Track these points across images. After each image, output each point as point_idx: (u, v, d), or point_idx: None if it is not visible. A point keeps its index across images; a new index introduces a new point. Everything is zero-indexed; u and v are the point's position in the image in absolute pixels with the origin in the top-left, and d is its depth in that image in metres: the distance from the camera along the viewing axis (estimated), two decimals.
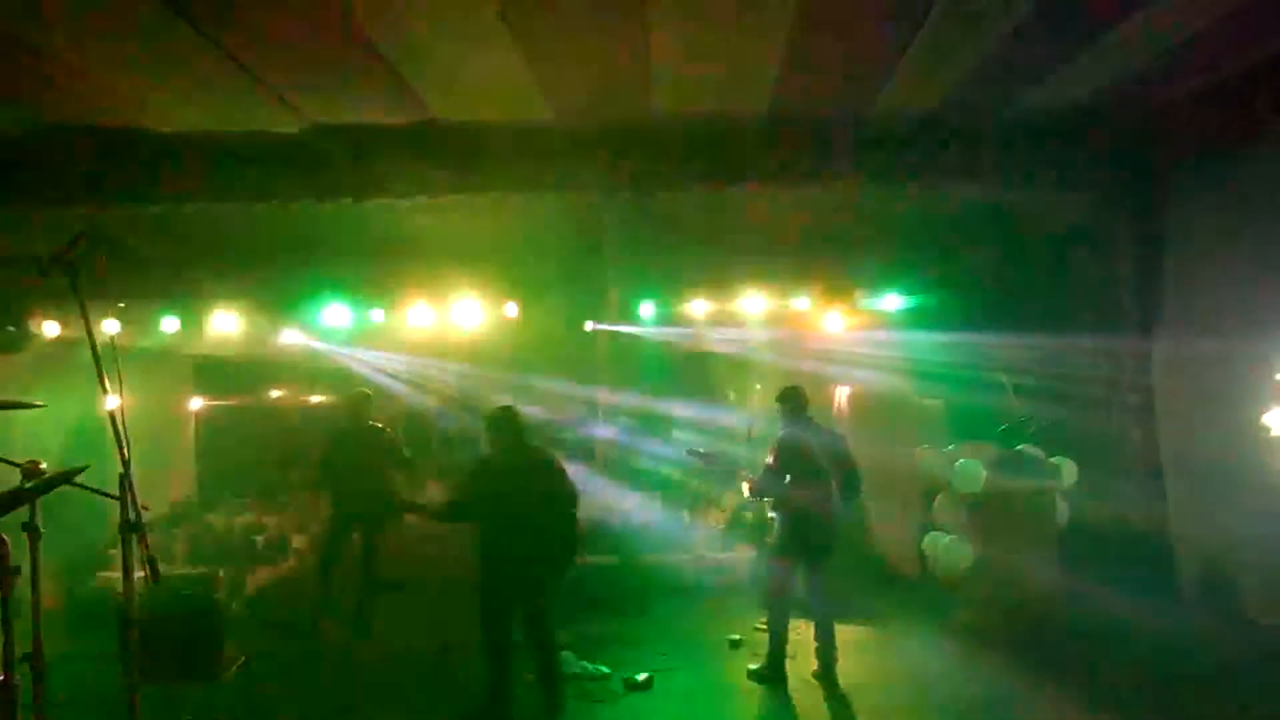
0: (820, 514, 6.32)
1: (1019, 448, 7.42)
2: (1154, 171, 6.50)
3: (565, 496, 5.80)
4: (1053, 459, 7.34)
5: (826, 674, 6.21)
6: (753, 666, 6.41)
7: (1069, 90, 5.39)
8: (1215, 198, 6.41)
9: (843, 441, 6.49)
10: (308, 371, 13.97)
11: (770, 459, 6.43)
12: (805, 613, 6.45)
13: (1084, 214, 7.83)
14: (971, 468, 7.11)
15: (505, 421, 5.81)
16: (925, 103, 5.45)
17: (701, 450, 6.65)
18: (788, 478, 6.33)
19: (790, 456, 6.37)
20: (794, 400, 6.57)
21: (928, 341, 8.48)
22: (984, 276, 8.44)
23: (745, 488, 7.02)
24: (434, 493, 11.26)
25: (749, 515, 9.50)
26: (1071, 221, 7.91)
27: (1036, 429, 7.59)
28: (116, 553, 3.70)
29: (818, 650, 6.25)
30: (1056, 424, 7.84)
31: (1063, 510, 7.27)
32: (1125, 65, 5.13)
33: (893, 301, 8.44)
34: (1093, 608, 6.98)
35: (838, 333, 9.77)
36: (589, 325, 9.14)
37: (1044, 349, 8.55)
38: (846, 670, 6.38)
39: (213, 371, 12.50)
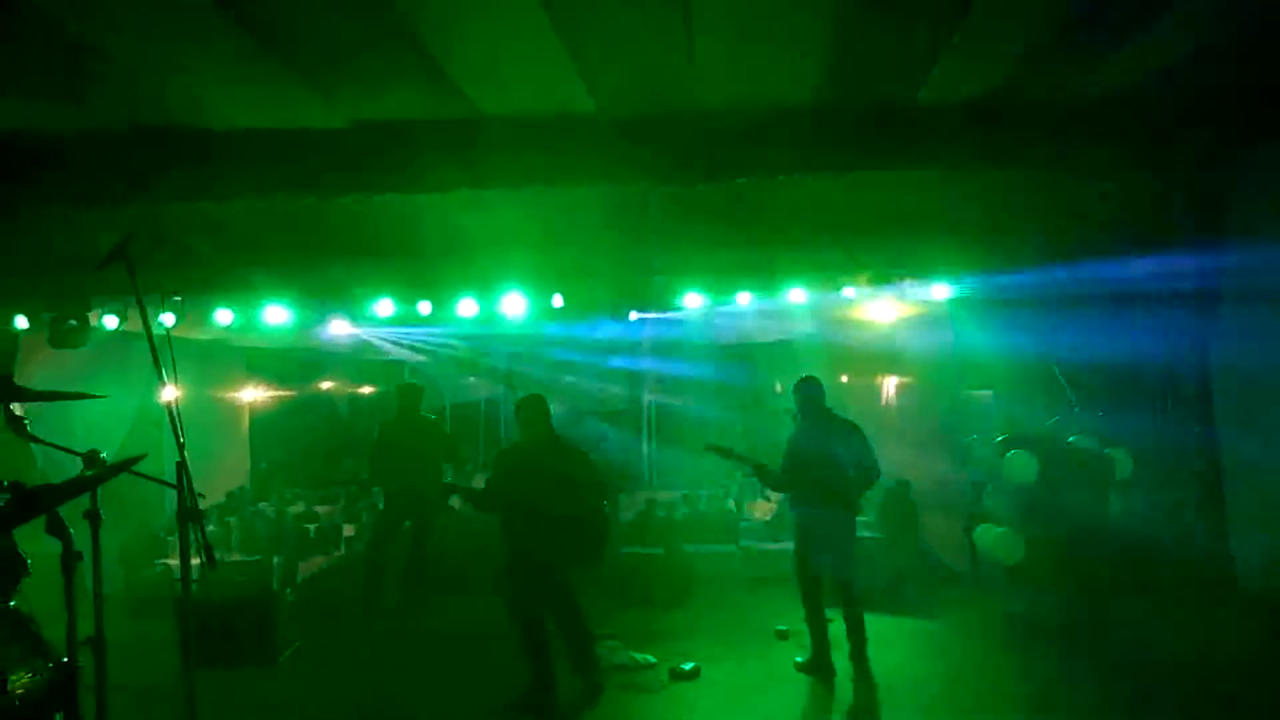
0: (834, 507, 6.26)
1: (1071, 439, 7.29)
2: (1215, 156, 6.31)
3: (594, 488, 5.82)
4: (1106, 451, 7.20)
5: (858, 663, 6.19)
6: (799, 659, 6.39)
7: (1125, 73, 5.25)
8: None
9: (859, 434, 6.38)
10: (358, 363, 14.21)
11: (786, 454, 6.40)
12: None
13: (1141, 200, 7.64)
14: (1022, 459, 7.00)
15: (535, 409, 5.85)
16: (975, 87, 5.34)
17: (721, 445, 6.62)
18: (798, 474, 6.30)
19: (803, 451, 6.33)
20: (809, 391, 6.48)
21: (978, 330, 8.35)
22: (1036, 264, 8.27)
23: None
24: (478, 484, 11.42)
25: None
26: (1127, 208, 7.72)
27: (1090, 420, 7.44)
28: (174, 540, 3.79)
29: (850, 640, 6.24)
30: (1111, 415, 7.68)
31: (1116, 504, 7.13)
32: (1183, 48, 4.99)
33: (942, 290, 8.30)
34: (1144, 604, 6.86)
35: (885, 321, 9.66)
36: (632, 315, 9.14)
37: (1099, 338, 8.38)
38: (893, 663, 6.36)
39: (265, 363, 12.74)
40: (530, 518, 5.60)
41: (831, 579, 6.32)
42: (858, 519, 6.45)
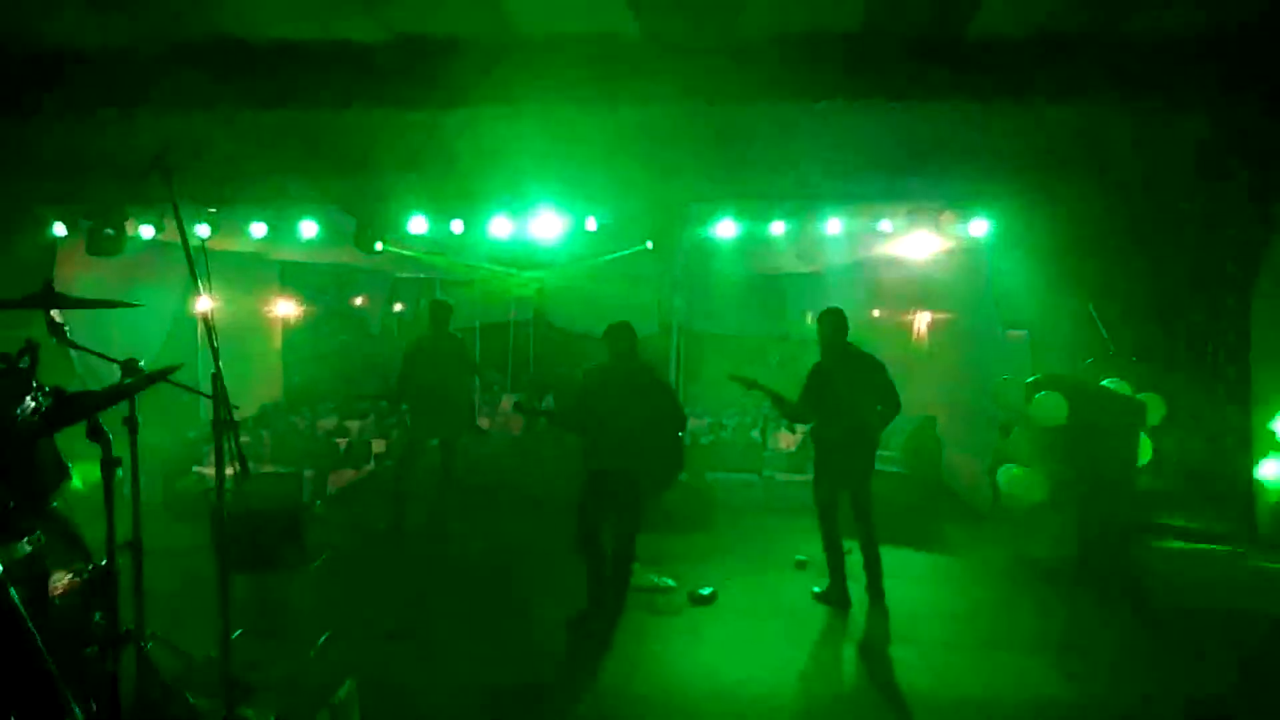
0: (853, 440, 6.27)
1: (1104, 382, 7.20)
2: (1274, 101, 6.07)
3: (672, 416, 6.01)
4: (1140, 395, 7.11)
5: (874, 595, 6.28)
6: (816, 589, 6.48)
7: (1179, 12, 5.04)
8: None
9: (881, 369, 6.34)
10: (390, 280, 14.27)
11: (806, 389, 6.36)
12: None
13: (1190, 143, 7.41)
14: (1052, 400, 6.93)
15: (622, 336, 6.01)
16: (1025, 20, 5.16)
17: (744, 376, 6.60)
18: (819, 403, 6.29)
19: (823, 383, 6.30)
20: (832, 323, 6.40)
21: (1015, 269, 8.21)
22: (1077, 204, 8.08)
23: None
24: (506, 405, 11.52)
25: None
26: (1180, 149, 7.49)
27: (1125, 363, 7.34)
28: (210, 449, 3.87)
29: (866, 573, 6.31)
30: (1146, 359, 7.58)
31: (1145, 447, 7.06)
32: None
33: (980, 226, 8.14)
34: (1167, 547, 6.85)
35: (921, 257, 9.51)
36: (647, 244, 9.05)
37: (1138, 282, 8.22)
38: (909, 596, 6.43)
39: (298, 277, 12.81)
40: (613, 437, 5.78)
41: (850, 510, 6.37)
42: (878, 453, 6.45)
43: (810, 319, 12.25)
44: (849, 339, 6.42)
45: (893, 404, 6.32)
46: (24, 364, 3.42)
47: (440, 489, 8.18)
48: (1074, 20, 5.09)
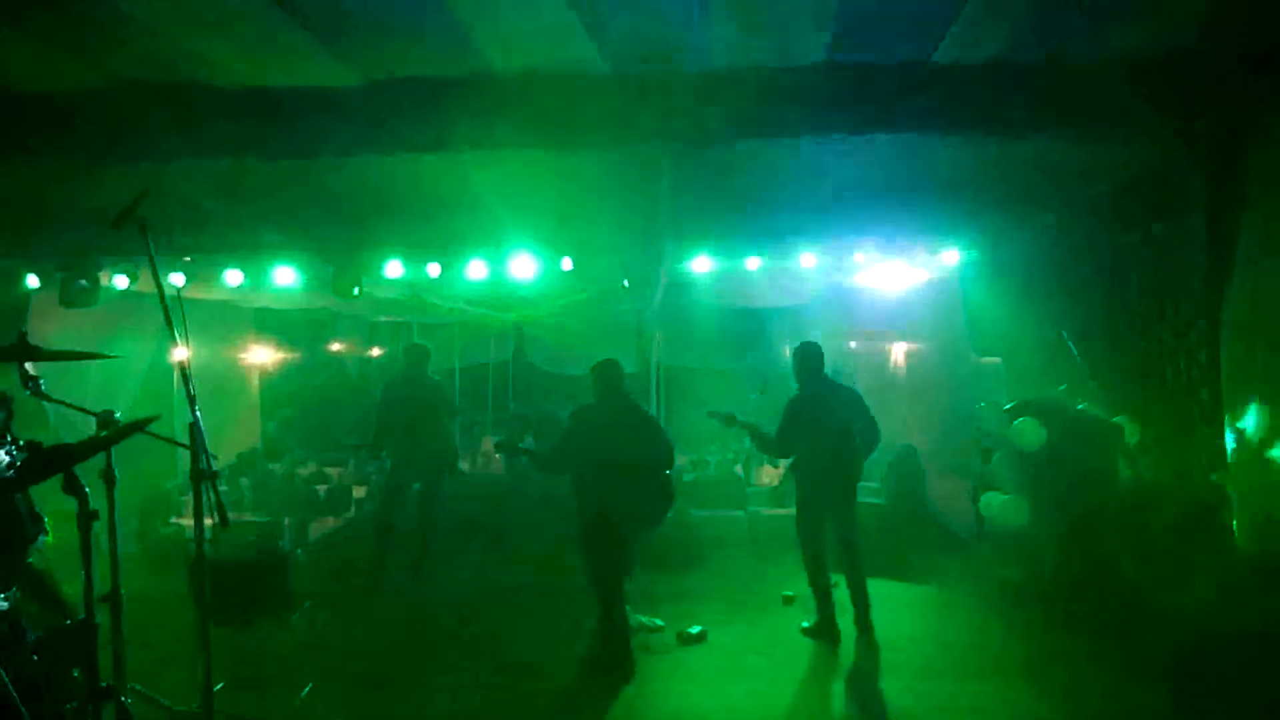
0: (835, 471, 6.32)
1: (1080, 406, 7.28)
2: (1235, 125, 6.23)
3: (662, 452, 5.96)
4: (1115, 418, 7.19)
5: (862, 627, 6.28)
6: (805, 624, 6.45)
7: (1142, 36, 5.17)
8: None
9: (858, 399, 6.47)
10: (368, 325, 14.23)
11: (785, 422, 6.43)
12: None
13: (1155, 167, 7.56)
14: (1030, 426, 7.00)
15: (609, 374, 5.99)
16: (988, 50, 5.26)
17: (722, 412, 6.74)
18: (799, 437, 6.34)
19: (801, 415, 6.36)
20: (807, 356, 6.51)
21: (986, 297, 8.32)
22: (1047, 231, 8.22)
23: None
24: (487, 446, 11.48)
25: None
26: (1141, 174, 7.65)
27: (1099, 387, 7.42)
28: (188, 499, 3.83)
29: (853, 604, 6.32)
30: (1119, 382, 7.66)
31: (1123, 470, 7.13)
32: (1202, 12, 4.91)
33: (952, 256, 8.26)
34: (1148, 571, 6.89)
35: (895, 287, 9.61)
36: (624, 283, 9.11)
37: (1108, 305, 8.34)
38: (897, 627, 6.42)
39: (274, 324, 12.75)
40: (605, 480, 5.73)
41: (834, 543, 6.37)
42: (859, 484, 6.50)
43: (788, 351, 12.32)
44: (825, 371, 6.50)
45: (873, 433, 6.40)
46: None
47: (422, 533, 8.11)
48: (1037, 47, 5.21)
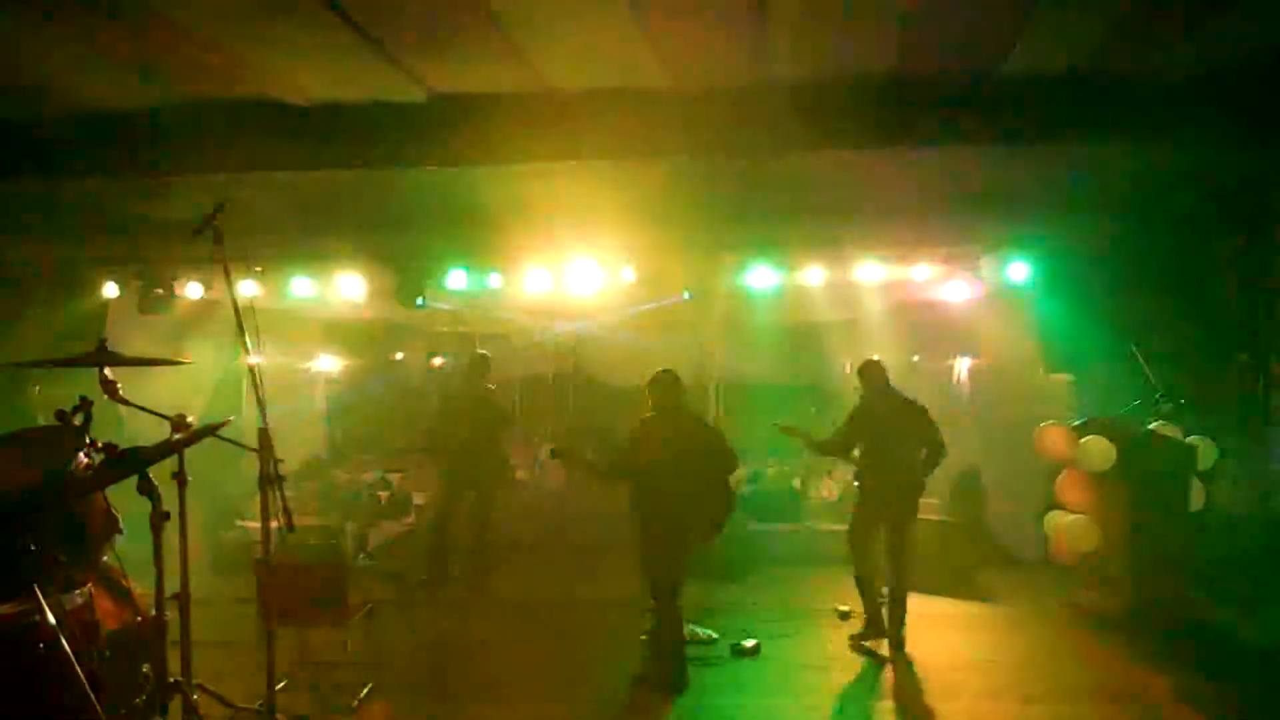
0: (898, 484, 6.35)
1: (1152, 425, 7.06)
2: None
3: (722, 461, 5.96)
4: (1189, 438, 6.96)
5: (894, 644, 6.24)
6: (853, 634, 6.46)
7: (1214, 49, 5.03)
8: None
9: (924, 413, 6.48)
10: (431, 334, 14.43)
11: (846, 428, 6.61)
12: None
13: (1238, 178, 7.33)
14: (1099, 445, 6.81)
15: (667, 385, 5.99)
16: (1057, 62, 5.16)
17: (788, 425, 6.80)
18: (859, 441, 6.53)
19: (864, 426, 6.50)
20: (871, 374, 6.62)
21: (1055, 311, 8.14)
22: (1119, 244, 8.01)
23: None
24: (545, 457, 11.54)
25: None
26: (1224, 185, 7.42)
27: (1173, 406, 7.20)
28: (255, 503, 3.93)
29: (888, 618, 6.30)
30: (1193, 402, 7.43)
31: (1198, 493, 6.88)
32: (1274, 24, 4.76)
33: (1019, 270, 8.09)
34: (1222, 599, 6.65)
35: (960, 302, 9.46)
36: (685, 295, 9.14)
37: (1183, 321, 8.09)
38: (955, 649, 6.30)
39: (341, 333, 13.01)
40: (665, 490, 5.72)
41: (884, 553, 6.37)
42: (921, 500, 6.46)
43: (849, 367, 12.17)
44: (890, 384, 6.56)
45: (937, 447, 6.38)
46: (78, 420, 3.52)
47: (478, 542, 8.19)
48: (1104, 60, 5.09)
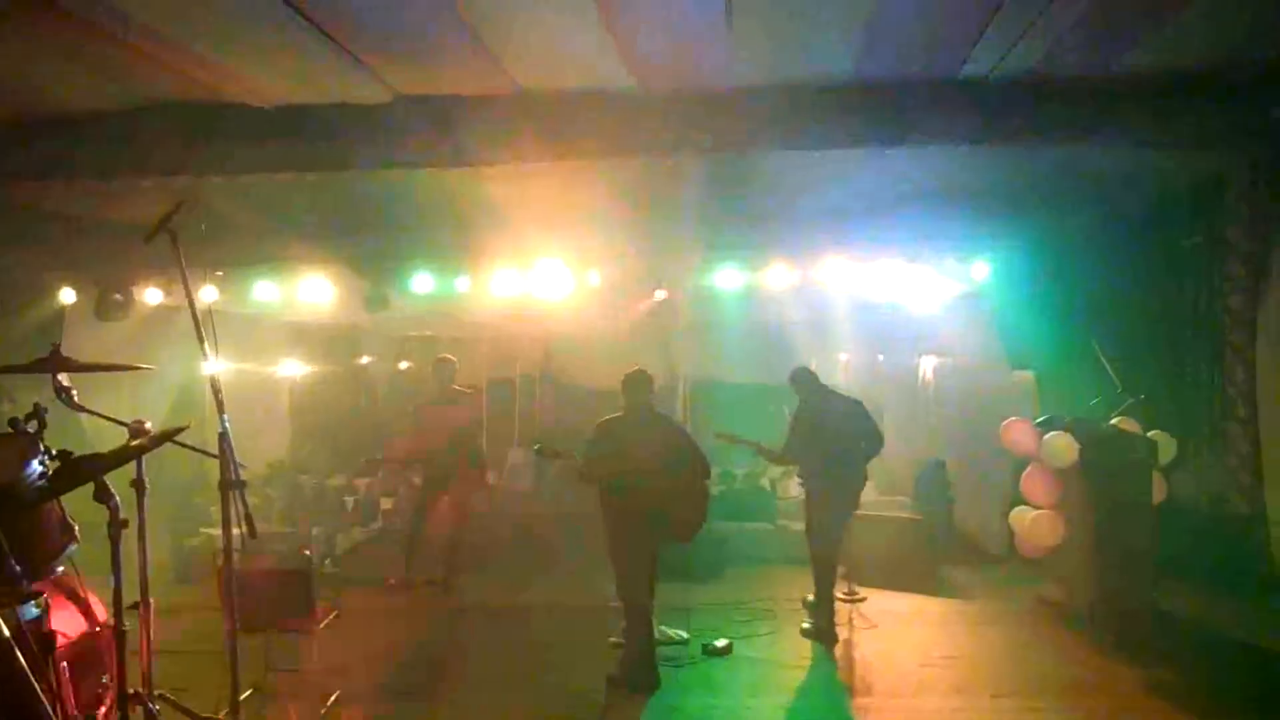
0: (842, 478, 6.60)
1: (1114, 421, 7.16)
2: (1272, 132, 6.14)
3: (695, 463, 5.90)
4: (1149, 434, 7.06)
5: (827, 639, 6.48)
6: (805, 625, 6.67)
7: (1173, 50, 5.12)
8: None
9: (859, 405, 6.80)
10: (397, 338, 14.31)
11: (790, 435, 6.80)
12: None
13: (1189, 176, 7.47)
14: (1062, 441, 6.89)
15: (638, 384, 5.96)
16: (1020, 63, 5.23)
17: (726, 431, 7.02)
18: (801, 444, 6.71)
19: (805, 428, 6.71)
20: (802, 380, 6.90)
21: (1018, 310, 8.24)
22: (1079, 243, 8.13)
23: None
24: (516, 457, 11.48)
25: None
26: (1175, 184, 7.56)
27: (1133, 402, 7.31)
28: (217, 509, 3.86)
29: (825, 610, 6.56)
30: (1155, 397, 7.55)
31: (1159, 487, 6.99)
32: (1235, 25, 4.85)
33: (981, 269, 8.19)
34: (1183, 590, 6.77)
35: (924, 301, 9.53)
36: (658, 294, 9.16)
37: (1142, 318, 8.22)
38: (924, 644, 6.34)
39: (304, 337, 12.86)
40: (633, 489, 5.65)
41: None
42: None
43: (814, 365, 12.23)
44: (824, 383, 6.96)
45: (875, 439, 6.74)
46: (32, 428, 3.44)
47: (449, 545, 8.12)
48: (1069, 60, 5.16)
